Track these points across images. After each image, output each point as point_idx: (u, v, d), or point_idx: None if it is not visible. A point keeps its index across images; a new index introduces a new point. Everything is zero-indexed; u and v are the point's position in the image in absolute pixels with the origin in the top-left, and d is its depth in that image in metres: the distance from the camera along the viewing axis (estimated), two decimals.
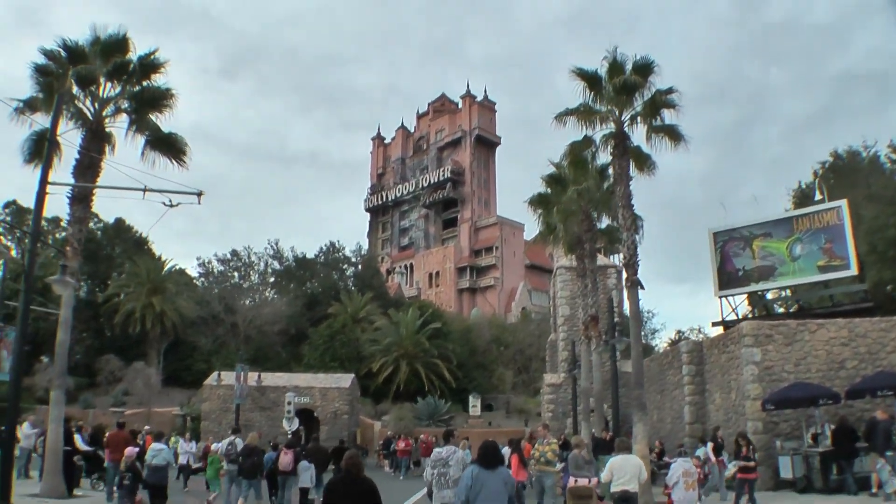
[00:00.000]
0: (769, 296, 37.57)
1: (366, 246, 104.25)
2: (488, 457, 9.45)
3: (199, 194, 18.13)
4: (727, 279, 32.19)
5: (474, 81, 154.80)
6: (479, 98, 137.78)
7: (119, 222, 77.87)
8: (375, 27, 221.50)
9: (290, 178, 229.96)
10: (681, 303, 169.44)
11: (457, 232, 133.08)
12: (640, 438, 21.60)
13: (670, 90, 23.97)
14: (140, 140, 24.30)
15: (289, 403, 40.11)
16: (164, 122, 24.54)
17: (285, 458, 20.38)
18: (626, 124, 24.63)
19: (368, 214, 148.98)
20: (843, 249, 29.20)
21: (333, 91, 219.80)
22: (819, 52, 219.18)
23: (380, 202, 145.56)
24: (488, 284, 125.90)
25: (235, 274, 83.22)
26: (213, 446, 23.14)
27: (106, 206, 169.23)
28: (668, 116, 24.31)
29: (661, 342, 75.18)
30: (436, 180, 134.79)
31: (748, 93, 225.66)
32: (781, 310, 35.82)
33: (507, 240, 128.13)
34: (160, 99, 23.89)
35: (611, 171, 29.72)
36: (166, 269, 71.87)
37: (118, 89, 24.16)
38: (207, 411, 48.26)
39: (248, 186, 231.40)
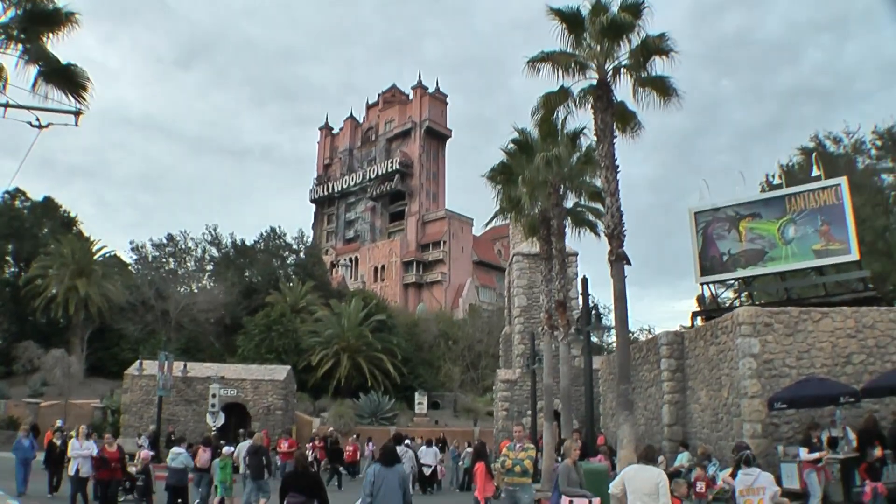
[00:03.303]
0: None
1: (310, 235, 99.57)
2: (387, 457, 11.09)
3: (77, 113, 14.12)
4: (710, 264, 28.67)
5: (428, 77, 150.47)
6: (431, 90, 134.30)
7: (48, 200, 72.96)
8: (333, 24, 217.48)
9: (241, 172, 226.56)
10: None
11: (404, 225, 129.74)
12: (627, 443, 18.10)
13: (663, 35, 20.45)
14: (32, 71, 20.18)
15: (213, 396, 36.04)
16: (65, 52, 20.54)
17: (204, 456, 20.37)
18: (608, 75, 21.12)
19: (314, 206, 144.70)
20: (842, 232, 25.87)
21: (288, 85, 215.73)
22: (769, 65, 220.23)
23: (325, 193, 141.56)
24: (435, 280, 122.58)
25: (171, 260, 78.65)
26: (226, 449, 21.51)
27: (28, 183, 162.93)
28: (660, 67, 20.88)
29: (614, 340, 71.99)
30: (383, 172, 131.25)
31: (699, 102, 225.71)
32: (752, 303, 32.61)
33: (455, 234, 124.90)
34: (55, 18, 19.71)
35: (583, 139, 26.72)
36: (96, 252, 66.96)
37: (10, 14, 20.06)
38: (128, 403, 43.89)
39: (198, 179, 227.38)
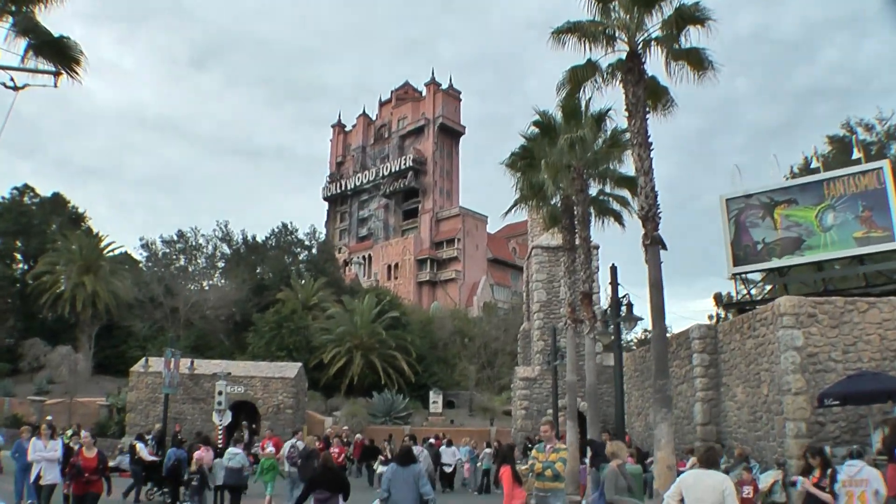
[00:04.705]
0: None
1: (322, 231, 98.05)
2: (403, 457, 11.75)
3: (57, 74, 12.69)
4: (743, 254, 27.18)
5: (441, 76, 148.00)
6: (444, 86, 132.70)
7: (56, 196, 72.08)
8: (348, 24, 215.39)
9: (255, 172, 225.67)
10: (640, 309, 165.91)
11: (417, 223, 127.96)
12: (665, 444, 16.54)
13: (697, 4, 18.86)
14: (22, 44, 18.77)
15: (219, 393, 34.47)
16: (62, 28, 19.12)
17: (208, 456, 19.74)
18: (639, 47, 19.58)
19: (326, 204, 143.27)
20: (885, 218, 24.41)
21: (302, 86, 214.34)
22: (784, 65, 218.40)
23: (338, 191, 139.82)
24: (449, 277, 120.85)
25: (181, 257, 77.51)
26: (268, 449, 22.56)
27: (44, 184, 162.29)
28: (695, 36, 19.30)
29: (632, 336, 70.11)
30: (397, 169, 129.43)
31: (714, 101, 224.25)
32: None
33: (469, 232, 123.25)
34: None
35: (608, 122, 25.32)
36: (107, 250, 65.70)
37: None
38: (134, 402, 42.63)
39: (212, 180, 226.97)
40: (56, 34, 19.01)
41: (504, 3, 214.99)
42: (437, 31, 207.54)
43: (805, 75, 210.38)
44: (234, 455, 19.53)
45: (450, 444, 31.58)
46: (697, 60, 19.34)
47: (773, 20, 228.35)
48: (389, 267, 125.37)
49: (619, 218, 27.88)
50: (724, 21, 18.78)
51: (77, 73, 18.80)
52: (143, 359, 44.84)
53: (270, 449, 22.43)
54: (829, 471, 11.66)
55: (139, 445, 23.70)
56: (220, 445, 27.63)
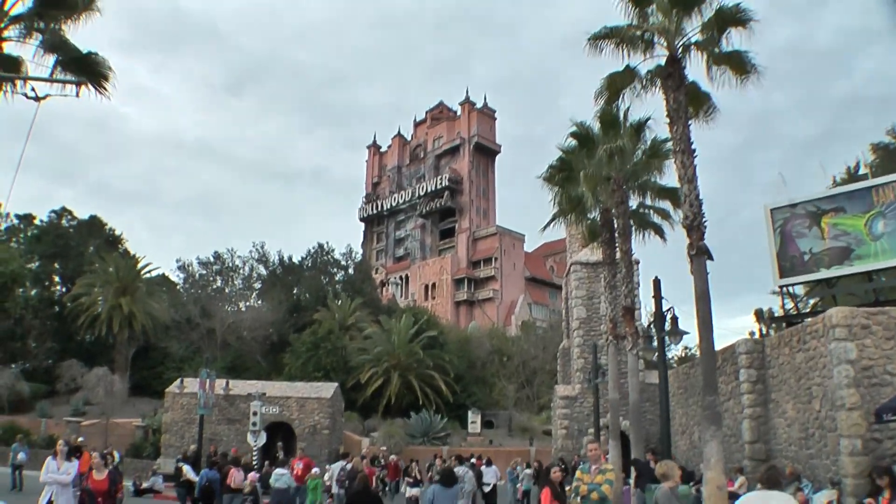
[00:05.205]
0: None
1: (358, 251, 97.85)
2: (445, 478, 12.60)
3: (79, 84, 12.32)
4: (790, 265, 26.20)
5: (476, 95, 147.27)
6: (479, 105, 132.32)
7: (93, 219, 72.67)
8: (382, 47, 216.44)
9: (292, 196, 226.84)
10: (682, 325, 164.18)
11: (454, 242, 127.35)
12: (715, 463, 15.76)
13: (738, 5, 18.20)
14: (50, 60, 18.52)
15: (254, 414, 33.96)
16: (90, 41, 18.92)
17: (239, 476, 19.99)
18: (678, 51, 18.94)
19: (363, 224, 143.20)
20: None
21: (338, 109, 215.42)
22: (821, 76, 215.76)
23: (375, 211, 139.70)
24: (487, 297, 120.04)
25: (218, 278, 77.57)
26: (313, 470, 22.93)
27: (83, 209, 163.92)
28: (736, 39, 18.63)
29: (673, 354, 68.73)
30: (433, 189, 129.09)
31: (750, 115, 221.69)
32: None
33: (506, 251, 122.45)
34: (71, 2, 17.98)
35: (647, 132, 24.71)
36: (144, 272, 65.89)
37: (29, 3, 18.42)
38: (169, 423, 42.36)
39: (249, 204, 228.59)
40: (84, 50, 18.79)
41: (536, 22, 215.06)
42: (471, 50, 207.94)
43: (842, 86, 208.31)
44: (281, 476, 20.57)
45: (489, 463, 30.86)
46: (739, 64, 18.73)
47: (809, 32, 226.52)
48: (426, 287, 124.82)
49: (659, 231, 27.23)
50: (759, 34, 18.16)
51: (105, 88, 18.59)
52: (179, 380, 44.65)
53: (315, 470, 22.91)
54: None
55: (185, 467, 23.96)
56: (254, 465, 27.21)
